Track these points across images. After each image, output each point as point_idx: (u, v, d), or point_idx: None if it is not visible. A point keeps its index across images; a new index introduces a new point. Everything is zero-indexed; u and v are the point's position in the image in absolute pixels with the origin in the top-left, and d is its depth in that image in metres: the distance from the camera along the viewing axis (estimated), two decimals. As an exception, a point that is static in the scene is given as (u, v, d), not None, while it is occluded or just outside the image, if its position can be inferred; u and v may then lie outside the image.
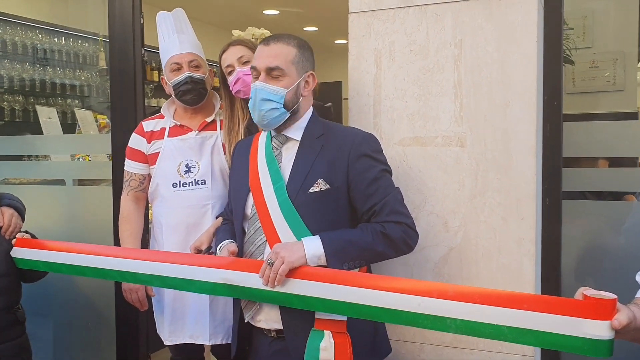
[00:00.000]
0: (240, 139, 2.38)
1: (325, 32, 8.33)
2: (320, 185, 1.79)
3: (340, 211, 1.82)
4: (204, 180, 2.43)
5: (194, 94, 2.43)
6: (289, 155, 1.88)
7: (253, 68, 1.85)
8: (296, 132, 1.88)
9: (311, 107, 1.94)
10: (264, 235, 1.84)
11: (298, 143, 1.87)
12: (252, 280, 1.77)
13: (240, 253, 1.92)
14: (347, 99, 4.28)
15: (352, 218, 1.85)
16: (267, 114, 1.82)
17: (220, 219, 2.39)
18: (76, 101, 5.41)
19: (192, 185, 2.44)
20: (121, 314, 2.86)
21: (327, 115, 2.47)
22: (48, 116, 3.56)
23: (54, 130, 3.58)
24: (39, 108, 3.72)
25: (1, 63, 4.89)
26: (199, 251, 2.27)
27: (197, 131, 2.48)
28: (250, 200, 1.90)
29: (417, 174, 2.08)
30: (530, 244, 1.96)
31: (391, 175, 1.86)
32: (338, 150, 1.81)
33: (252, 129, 2.39)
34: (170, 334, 2.48)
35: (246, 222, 1.93)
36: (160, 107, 2.61)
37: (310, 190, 1.79)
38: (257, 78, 1.84)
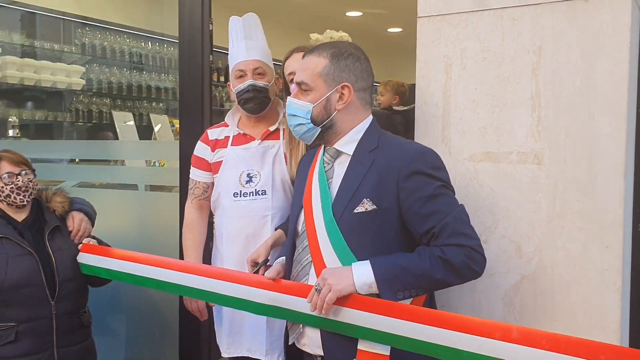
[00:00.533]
0: (300, 148, 2.30)
1: (410, 33, 8.07)
2: (365, 206, 1.65)
3: (388, 235, 1.66)
4: (265, 190, 2.37)
5: (255, 102, 2.37)
6: (340, 171, 1.76)
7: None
8: (348, 145, 1.75)
9: (369, 118, 1.79)
10: (310, 255, 1.74)
11: (349, 158, 1.75)
12: (301, 304, 1.69)
13: (289, 271, 1.84)
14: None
15: (405, 243, 1.68)
16: (296, 130, 1.77)
17: (280, 231, 2.32)
18: (160, 104, 5.56)
19: (253, 195, 2.38)
20: (184, 321, 2.86)
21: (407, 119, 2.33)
22: (124, 121, 3.64)
23: (130, 134, 3.66)
24: (115, 114, 3.83)
25: (91, 67, 5.10)
26: (255, 264, 2.21)
27: (259, 140, 2.42)
28: (302, 216, 1.81)
29: (489, 193, 1.90)
30: (615, 276, 1.73)
31: (454, 193, 1.68)
32: (388, 168, 1.65)
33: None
34: (229, 346, 2.44)
35: (297, 239, 1.84)
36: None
37: (356, 211, 1.66)
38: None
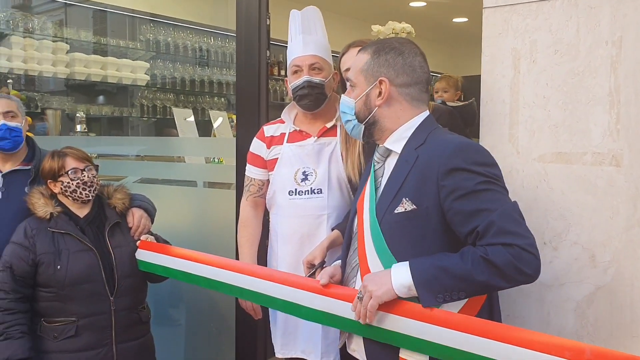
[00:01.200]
0: (358, 146, 2.22)
1: (476, 23, 7.81)
2: (404, 206, 1.56)
3: (430, 236, 1.55)
4: (320, 189, 2.31)
5: (310, 99, 2.30)
6: (389, 170, 1.69)
7: None
8: (396, 143, 1.67)
9: (421, 115, 1.68)
10: (358, 257, 1.69)
11: (397, 156, 1.67)
12: (348, 311, 1.64)
13: (343, 273, 1.81)
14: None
15: (449, 245, 1.55)
16: (346, 126, 1.76)
17: (336, 232, 2.26)
18: (222, 99, 5.60)
19: (308, 193, 2.32)
20: (241, 317, 2.84)
21: (470, 112, 2.22)
22: (184, 117, 3.66)
23: (189, 131, 3.67)
24: (175, 110, 3.86)
25: (155, 63, 5.18)
26: (311, 265, 2.16)
27: (315, 137, 2.35)
28: (357, 218, 1.75)
29: (560, 197, 1.76)
30: None
31: (504, 189, 1.53)
32: (428, 165, 1.55)
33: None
34: (283, 346, 2.40)
35: (352, 241, 1.79)
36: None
37: (396, 211, 1.57)
38: None
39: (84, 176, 2.37)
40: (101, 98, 5.04)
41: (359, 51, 1.75)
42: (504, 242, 1.42)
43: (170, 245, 2.48)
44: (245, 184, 2.52)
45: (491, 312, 1.58)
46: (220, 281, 2.12)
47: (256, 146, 2.47)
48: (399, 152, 1.65)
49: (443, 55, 8.25)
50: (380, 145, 1.72)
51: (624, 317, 1.67)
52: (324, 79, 2.32)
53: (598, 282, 1.71)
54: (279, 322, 2.39)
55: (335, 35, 2.42)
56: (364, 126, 1.70)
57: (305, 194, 2.32)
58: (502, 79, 1.86)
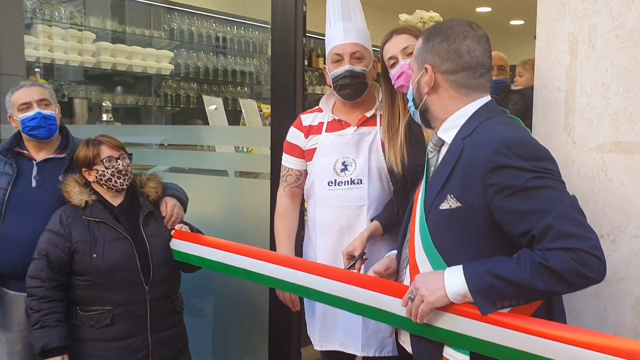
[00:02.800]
0: (400, 135, 2.16)
1: (500, 12, 7.74)
2: (449, 203, 1.49)
3: (477, 235, 1.48)
4: (360, 179, 2.26)
5: (352, 89, 2.25)
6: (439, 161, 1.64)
7: None
8: (448, 132, 1.59)
9: (477, 102, 1.58)
10: (408, 250, 1.65)
11: (447, 146, 1.61)
12: (395, 305, 1.61)
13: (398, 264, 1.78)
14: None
15: (498, 245, 1.47)
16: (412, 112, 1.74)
17: (376, 222, 2.21)
18: (245, 88, 5.57)
19: (348, 184, 2.28)
20: (274, 308, 2.81)
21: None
22: (214, 106, 3.62)
23: (219, 120, 3.64)
24: (205, 98, 3.82)
25: (179, 52, 5.16)
26: (351, 257, 2.12)
27: (355, 127, 2.31)
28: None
29: (619, 188, 1.70)
30: None
31: (561, 183, 1.43)
32: (473, 160, 1.46)
33: (413, 126, 2.16)
34: (321, 339, 2.36)
35: (408, 231, 1.74)
36: (324, 94, 2.48)
37: (441, 207, 1.51)
38: None
39: (119, 164, 2.35)
40: (124, 88, 5.02)
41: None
42: (564, 246, 1.33)
43: (204, 235, 2.45)
44: (281, 174, 2.48)
45: (549, 311, 1.52)
46: (259, 273, 2.09)
47: (294, 135, 2.43)
48: (449, 142, 1.59)
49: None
50: (435, 135, 1.66)
51: (687, 313, 1.61)
52: (365, 68, 2.26)
53: (659, 277, 1.65)
54: (318, 314, 2.35)
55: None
56: (419, 112, 1.67)
57: (344, 185, 2.28)
58: (557, 65, 1.80)
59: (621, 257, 1.69)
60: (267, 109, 3.98)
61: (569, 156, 1.78)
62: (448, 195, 1.50)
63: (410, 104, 1.70)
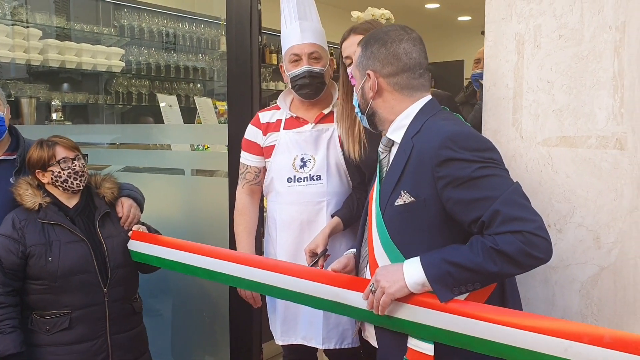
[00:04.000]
0: (357, 132, 2.21)
1: (448, 8, 7.92)
2: (403, 198, 1.56)
3: (432, 228, 1.55)
4: (319, 175, 2.30)
5: (311, 89, 2.29)
6: (391, 160, 1.70)
7: None
8: (396, 132, 1.68)
9: (420, 101, 1.66)
10: (367, 248, 1.71)
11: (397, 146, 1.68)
12: (356, 299, 1.67)
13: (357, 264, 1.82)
14: (469, 79, 3.97)
15: (453, 235, 1.55)
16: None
17: (337, 219, 2.26)
18: (198, 85, 5.51)
19: (307, 180, 2.32)
20: (235, 305, 2.83)
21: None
22: (169, 104, 3.58)
23: (174, 118, 3.60)
24: (159, 96, 3.78)
25: (129, 49, 5.06)
26: (314, 254, 2.16)
27: (313, 124, 2.34)
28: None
29: (565, 180, 1.79)
30: None
31: (503, 170, 1.51)
32: (422, 155, 1.54)
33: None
34: (283, 333, 2.40)
35: (366, 230, 1.79)
36: (277, 90, 2.50)
37: (396, 204, 1.58)
38: None
39: (75, 165, 2.32)
40: (73, 86, 4.90)
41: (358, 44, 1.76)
42: (512, 229, 1.40)
43: (162, 235, 2.44)
44: (240, 172, 2.49)
45: (503, 297, 1.60)
46: (221, 272, 2.10)
47: (252, 133, 2.45)
48: (399, 141, 1.66)
49: (416, 41, 8.27)
50: (384, 136, 1.72)
51: (628, 296, 1.71)
52: (323, 68, 2.30)
53: (602, 263, 1.74)
54: (279, 309, 2.38)
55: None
56: (366, 117, 1.73)
57: (304, 181, 2.32)
58: (505, 63, 1.87)
59: (567, 245, 1.78)
60: (222, 106, 3.97)
61: (517, 150, 1.86)
62: (402, 192, 1.56)
63: (357, 110, 1.77)
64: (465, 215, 1.48)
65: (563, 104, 1.79)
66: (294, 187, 2.33)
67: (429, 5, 7.83)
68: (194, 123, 3.87)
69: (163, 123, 3.68)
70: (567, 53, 1.77)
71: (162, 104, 3.57)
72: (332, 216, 2.28)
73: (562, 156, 1.79)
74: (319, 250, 2.14)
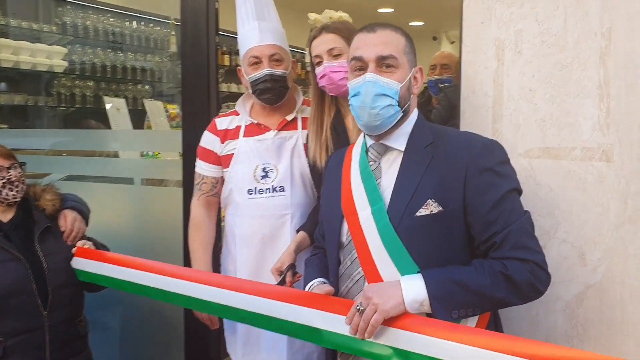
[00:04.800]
0: (325, 131, 2.07)
1: (401, 13, 7.91)
2: (430, 207, 1.43)
3: (456, 240, 1.45)
4: (283, 186, 2.15)
5: (273, 93, 2.13)
6: (390, 170, 1.53)
7: (357, 59, 1.50)
8: (399, 139, 1.52)
9: (416, 109, 1.58)
10: (361, 268, 1.51)
11: (402, 154, 1.52)
12: (339, 325, 1.45)
13: (336, 288, 1.60)
14: (425, 84, 3.90)
15: (470, 249, 1.47)
16: (382, 112, 1.46)
17: (302, 234, 2.10)
18: (146, 87, 5.27)
19: (270, 192, 2.16)
20: (190, 323, 2.64)
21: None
22: (116, 107, 3.34)
23: (122, 122, 3.36)
24: (106, 99, 3.53)
25: (73, 48, 4.78)
26: (280, 272, 1.99)
27: (275, 131, 2.19)
28: (345, 225, 1.57)
29: (548, 194, 1.70)
30: (694, 287, 1.55)
31: (520, 194, 1.47)
32: (452, 163, 1.44)
33: (338, 129, 2.07)
34: (244, 355, 2.23)
35: (342, 251, 1.60)
36: (230, 93, 2.34)
37: (418, 214, 1.43)
38: (361, 70, 1.50)
39: (10, 175, 2.10)
40: (11, 86, 4.58)
41: (376, 29, 1.53)
42: (521, 257, 1.37)
43: (109, 251, 2.24)
44: (195, 182, 2.31)
45: (496, 322, 1.50)
46: (177, 293, 1.92)
47: (208, 140, 2.27)
48: (403, 149, 1.51)
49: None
50: (376, 143, 1.56)
51: (615, 316, 1.64)
52: (285, 71, 2.15)
53: (588, 281, 1.66)
54: (240, 331, 2.22)
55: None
56: (402, 114, 1.51)
57: (266, 192, 2.16)
58: (484, 70, 1.77)
59: (551, 262, 1.66)
60: (173, 109, 3.76)
61: (498, 162, 1.76)
62: (429, 201, 1.43)
63: (393, 102, 1.48)
64: (483, 231, 1.42)
65: (546, 113, 1.70)
66: (255, 199, 2.17)
67: (382, 10, 7.80)
68: (142, 127, 3.63)
69: (109, 127, 3.43)
70: (550, 60, 1.68)
71: (108, 106, 3.31)
72: (298, 231, 2.13)
73: (545, 168, 1.71)
74: (285, 268, 1.98)
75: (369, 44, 1.49)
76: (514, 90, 1.74)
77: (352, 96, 1.51)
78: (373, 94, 1.46)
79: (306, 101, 2.26)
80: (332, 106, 2.12)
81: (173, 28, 5.16)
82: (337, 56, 1.99)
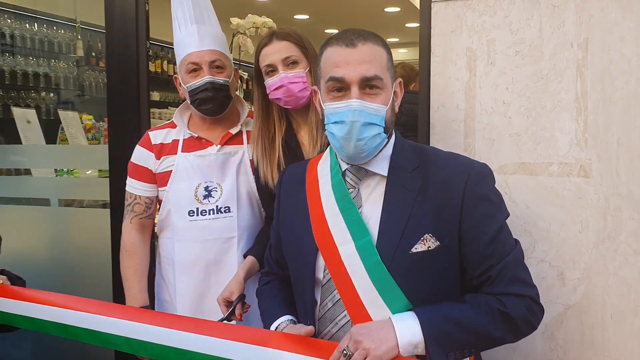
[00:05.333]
0: (277, 148, 1.88)
1: (316, 20, 7.87)
2: (427, 243, 1.27)
3: (450, 276, 1.31)
4: (228, 207, 1.96)
5: (214, 103, 1.93)
6: (371, 197, 1.35)
7: (336, 80, 1.29)
8: (381, 163, 1.34)
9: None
10: (346, 312, 1.33)
11: (384, 180, 1.34)
12: None
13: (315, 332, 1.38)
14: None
15: (461, 283, 1.34)
16: (369, 143, 1.28)
17: (251, 259, 1.90)
18: (51, 94, 4.83)
19: (214, 213, 1.96)
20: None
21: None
22: (26, 119, 2.96)
23: (33, 136, 2.98)
24: (15, 110, 3.12)
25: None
26: (229, 303, 1.78)
27: (218, 145, 1.98)
28: (322, 260, 1.37)
29: (524, 211, 1.62)
30: (673, 304, 1.52)
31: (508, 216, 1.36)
32: (445, 190, 1.29)
33: (291, 143, 1.90)
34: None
35: (318, 290, 1.39)
36: (158, 102, 2.10)
37: (414, 250, 1.27)
38: (340, 92, 1.30)
39: None
40: None
41: (361, 40, 1.31)
42: (517, 292, 1.26)
43: (26, 285, 1.94)
44: (127, 203, 2.06)
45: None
46: (112, 334, 1.65)
47: (141, 156, 2.03)
48: (385, 174, 1.34)
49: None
50: (353, 166, 1.37)
51: (595, 336, 1.58)
52: (227, 79, 1.96)
53: (568, 302, 1.60)
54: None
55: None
56: (386, 140, 1.34)
57: (209, 214, 1.96)
58: (455, 82, 1.67)
59: (529, 283, 1.61)
60: (88, 119, 3.42)
61: (471, 178, 1.66)
62: (426, 235, 1.27)
63: (380, 131, 1.30)
64: (476, 266, 1.29)
65: (521, 127, 1.62)
66: (196, 222, 1.96)
67: (298, 16, 7.72)
68: (54, 140, 3.24)
69: (19, 141, 3.01)
70: (524, 71, 1.61)
71: (18, 119, 2.91)
72: (245, 255, 1.93)
73: (520, 185, 1.63)
74: (234, 297, 1.77)
75: (350, 62, 1.28)
76: (487, 103, 1.65)
77: (333, 123, 1.30)
78: (360, 124, 1.27)
79: (251, 113, 2.07)
80: (283, 120, 1.94)
81: (79, 32, 4.79)
82: (293, 65, 1.82)
